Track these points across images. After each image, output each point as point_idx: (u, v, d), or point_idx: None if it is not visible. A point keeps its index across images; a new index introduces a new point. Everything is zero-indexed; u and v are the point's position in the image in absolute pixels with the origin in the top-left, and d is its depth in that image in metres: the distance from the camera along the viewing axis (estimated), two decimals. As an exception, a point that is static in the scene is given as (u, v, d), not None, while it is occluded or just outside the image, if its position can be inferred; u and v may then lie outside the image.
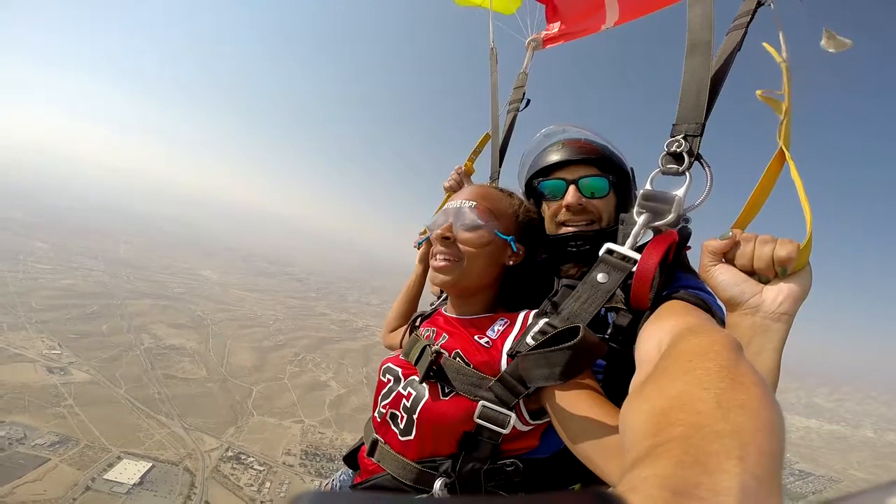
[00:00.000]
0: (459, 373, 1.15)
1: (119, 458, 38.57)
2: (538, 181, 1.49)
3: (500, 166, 2.10)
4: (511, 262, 1.33)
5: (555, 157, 1.44)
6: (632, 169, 1.49)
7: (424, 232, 2.15)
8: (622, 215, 1.25)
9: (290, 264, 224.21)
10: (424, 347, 1.25)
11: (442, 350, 1.23)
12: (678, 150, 1.14)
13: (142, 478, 36.63)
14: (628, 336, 1.07)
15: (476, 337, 1.24)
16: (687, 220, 1.19)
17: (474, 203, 1.30)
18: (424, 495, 1.12)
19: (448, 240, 1.28)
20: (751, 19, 1.28)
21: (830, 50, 1.38)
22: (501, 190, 1.44)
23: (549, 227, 1.46)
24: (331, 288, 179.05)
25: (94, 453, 38.34)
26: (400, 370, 1.32)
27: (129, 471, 36.99)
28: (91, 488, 34.68)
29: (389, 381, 1.32)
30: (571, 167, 1.42)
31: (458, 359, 1.18)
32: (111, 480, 35.47)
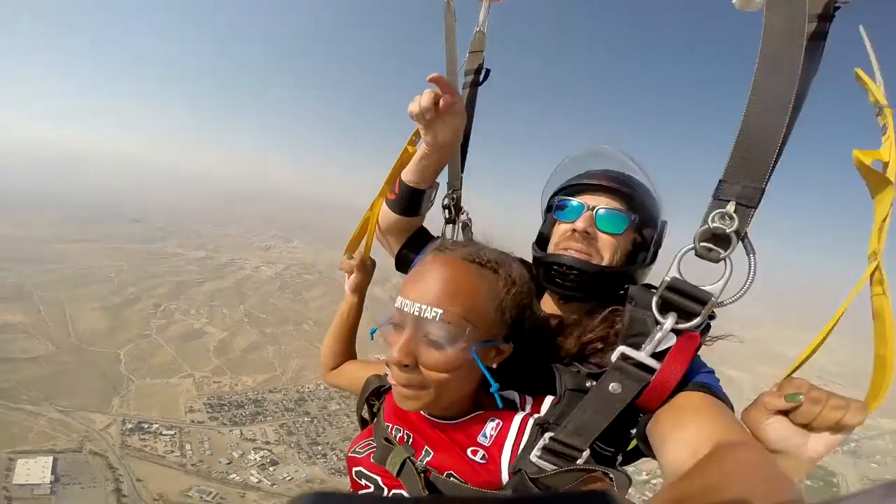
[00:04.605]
0: (457, 489, 1.02)
1: (11, 459, 35.00)
2: (561, 198, 1.37)
3: (462, 171, 1.70)
4: (495, 365, 1.09)
5: (585, 180, 1.35)
6: (664, 222, 1.36)
7: (347, 258, 1.76)
8: (632, 290, 1.06)
9: (118, 205, 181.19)
10: (405, 461, 1.06)
11: (429, 467, 1.05)
12: (724, 228, 0.88)
13: (53, 473, 34.46)
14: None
15: (469, 451, 1.05)
16: (712, 317, 1.01)
17: (441, 311, 0.96)
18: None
19: (408, 367, 0.98)
20: (828, 26, 0.95)
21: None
22: (482, 263, 1.05)
23: (551, 247, 1.38)
24: (178, 225, 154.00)
25: (-24, 461, 34.02)
26: (379, 479, 1.13)
27: (33, 470, 34.22)
28: (11, 497, 31.95)
29: (368, 487, 1.15)
30: (598, 194, 1.31)
31: (452, 479, 1.03)
32: (25, 484, 32.92)
